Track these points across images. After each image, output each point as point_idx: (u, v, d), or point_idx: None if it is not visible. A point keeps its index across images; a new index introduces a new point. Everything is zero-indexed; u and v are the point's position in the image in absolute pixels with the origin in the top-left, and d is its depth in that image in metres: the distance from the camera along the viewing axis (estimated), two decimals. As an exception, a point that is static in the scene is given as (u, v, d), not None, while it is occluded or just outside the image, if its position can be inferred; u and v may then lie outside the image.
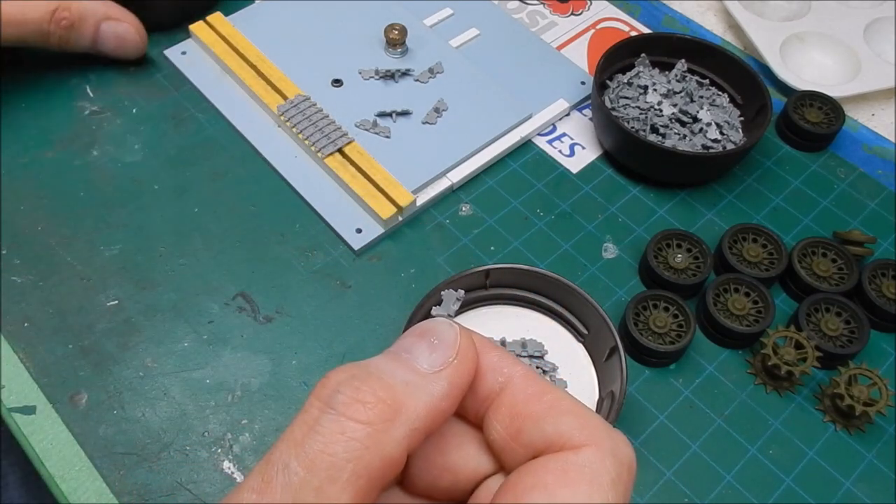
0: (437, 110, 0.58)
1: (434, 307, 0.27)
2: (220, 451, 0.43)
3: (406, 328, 0.44)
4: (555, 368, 0.47)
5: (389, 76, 0.60)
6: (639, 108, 0.57)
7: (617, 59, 0.59)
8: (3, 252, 0.50)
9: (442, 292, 0.26)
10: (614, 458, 0.22)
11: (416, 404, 0.22)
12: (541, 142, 0.59)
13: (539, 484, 0.21)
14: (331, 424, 0.21)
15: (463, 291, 0.27)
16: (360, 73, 0.60)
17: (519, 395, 0.23)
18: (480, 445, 0.25)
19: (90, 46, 0.55)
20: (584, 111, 0.61)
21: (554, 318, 0.48)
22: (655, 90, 0.57)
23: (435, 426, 0.22)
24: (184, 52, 0.61)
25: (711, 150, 0.55)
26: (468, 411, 0.25)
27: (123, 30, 0.56)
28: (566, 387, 0.46)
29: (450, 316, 0.27)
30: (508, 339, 0.47)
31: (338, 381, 0.22)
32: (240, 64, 0.59)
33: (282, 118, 0.56)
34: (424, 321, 0.24)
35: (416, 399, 0.22)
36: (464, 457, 0.24)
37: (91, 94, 0.59)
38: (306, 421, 0.21)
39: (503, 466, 0.24)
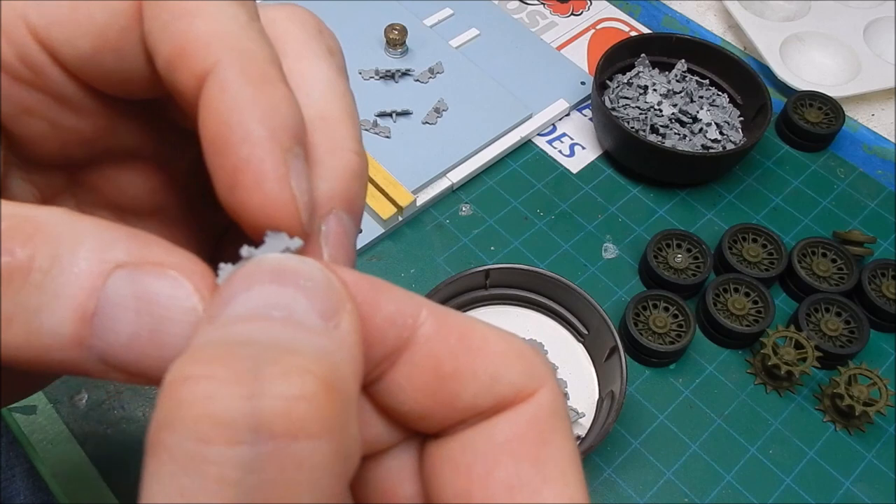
0: (437, 110, 0.58)
1: (224, 268, 0.16)
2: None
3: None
4: (555, 368, 0.47)
5: (389, 76, 0.60)
6: (639, 108, 0.57)
7: (617, 59, 0.59)
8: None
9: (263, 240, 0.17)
10: (559, 388, 0.17)
11: (350, 377, 0.15)
12: (541, 142, 0.59)
13: (515, 465, 0.16)
14: (278, 463, 0.13)
15: (298, 242, 0.17)
16: (360, 73, 0.60)
17: (439, 346, 0.17)
18: (366, 414, 0.18)
19: (71, 340, 0.16)
20: (584, 111, 0.61)
21: (554, 318, 0.48)
22: (655, 90, 0.57)
23: None
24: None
25: (711, 150, 0.55)
26: None
27: (164, 290, 0.16)
28: (566, 387, 0.46)
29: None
30: (508, 339, 0.47)
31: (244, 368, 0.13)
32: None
33: (282, 118, 0.56)
34: (251, 262, 0.15)
35: (346, 371, 0.14)
36: None
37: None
38: (221, 478, 0.12)
39: (411, 431, 0.18)
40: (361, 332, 0.16)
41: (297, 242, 0.16)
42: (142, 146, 0.22)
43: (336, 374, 0.14)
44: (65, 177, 0.22)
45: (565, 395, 0.46)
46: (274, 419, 0.13)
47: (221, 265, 0.16)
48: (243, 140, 0.16)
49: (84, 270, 0.15)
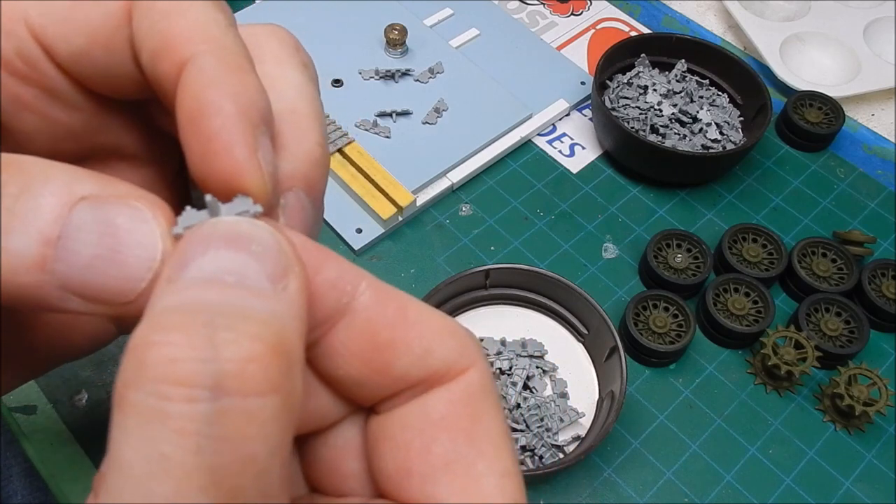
0: (437, 110, 0.58)
1: (188, 211, 0.17)
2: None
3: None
4: (555, 368, 0.47)
5: (389, 76, 0.60)
6: (639, 108, 0.57)
7: (617, 59, 0.59)
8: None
9: (206, 197, 0.17)
10: (489, 367, 0.18)
11: (295, 337, 0.16)
12: (541, 142, 0.59)
13: (451, 441, 0.17)
14: (231, 417, 0.14)
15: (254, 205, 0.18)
16: (360, 73, 0.60)
17: (377, 316, 0.18)
18: (311, 384, 0.19)
19: (34, 263, 0.16)
20: (584, 111, 0.61)
21: (554, 318, 0.48)
22: (655, 90, 0.57)
23: None
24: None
25: (711, 150, 0.55)
26: None
27: (125, 216, 0.17)
28: (566, 387, 0.46)
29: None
30: (508, 339, 0.47)
31: (193, 336, 0.14)
32: (240, 64, 0.59)
33: (282, 118, 0.56)
34: (207, 224, 0.16)
35: (292, 332, 0.16)
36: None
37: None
38: (181, 430, 0.14)
39: (352, 404, 0.19)
40: (308, 292, 0.17)
41: (257, 208, 0.17)
42: (129, 146, 0.24)
43: (282, 337, 0.15)
44: None
45: (565, 395, 0.46)
46: (227, 380, 0.14)
47: (187, 208, 0.17)
48: (216, 114, 0.18)
49: (51, 199, 0.16)
